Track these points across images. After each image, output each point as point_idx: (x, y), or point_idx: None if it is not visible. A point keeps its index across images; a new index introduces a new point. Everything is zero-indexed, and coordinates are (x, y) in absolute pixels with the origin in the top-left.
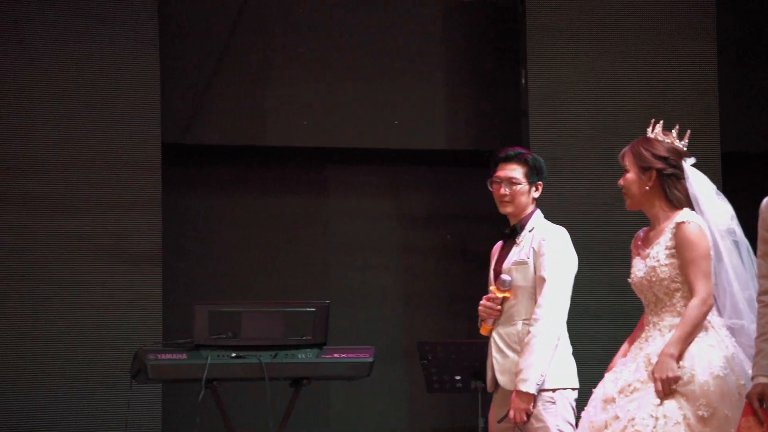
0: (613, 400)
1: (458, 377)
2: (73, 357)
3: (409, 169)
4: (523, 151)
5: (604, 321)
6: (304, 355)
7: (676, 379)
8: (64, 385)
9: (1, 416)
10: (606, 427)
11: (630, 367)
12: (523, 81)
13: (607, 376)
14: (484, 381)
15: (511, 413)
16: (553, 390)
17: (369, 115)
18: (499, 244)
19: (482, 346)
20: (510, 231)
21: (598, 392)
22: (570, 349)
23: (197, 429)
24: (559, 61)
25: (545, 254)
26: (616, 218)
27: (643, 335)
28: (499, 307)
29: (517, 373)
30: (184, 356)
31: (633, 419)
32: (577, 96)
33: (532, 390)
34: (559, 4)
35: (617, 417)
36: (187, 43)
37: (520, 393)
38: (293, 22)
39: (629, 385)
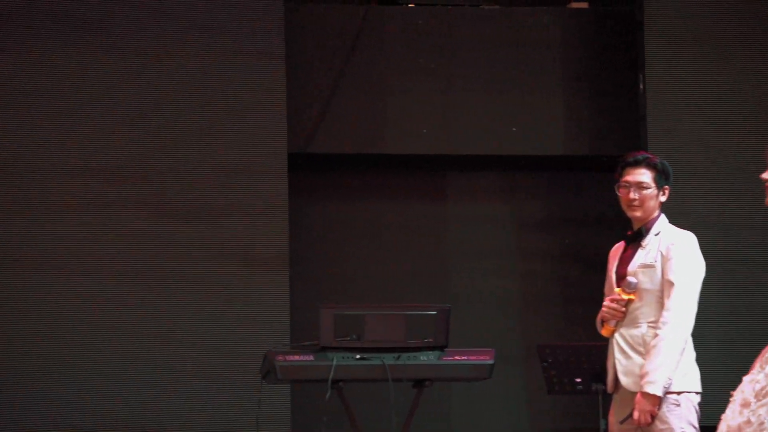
0: (749, 404)
1: (578, 380)
2: (206, 359)
3: (527, 175)
4: (650, 155)
5: (726, 327)
6: (426, 357)
7: None
8: (197, 385)
9: (139, 416)
10: (739, 431)
11: (766, 370)
12: (642, 86)
13: (745, 379)
14: (605, 383)
15: (636, 414)
16: (678, 393)
17: (487, 122)
18: (619, 246)
19: (602, 349)
20: (633, 234)
21: (737, 396)
22: (694, 354)
23: (324, 428)
24: (677, 65)
25: (674, 258)
26: (737, 221)
27: None
28: (623, 309)
29: (643, 375)
30: (311, 358)
31: (762, 423)
32: (696, 100)
33: (659, 392)
34: (678, 10)
35: (749, 421)
36: (312, 56)
37: (646, 395)
38: (413, 33)
39: (763, 389)
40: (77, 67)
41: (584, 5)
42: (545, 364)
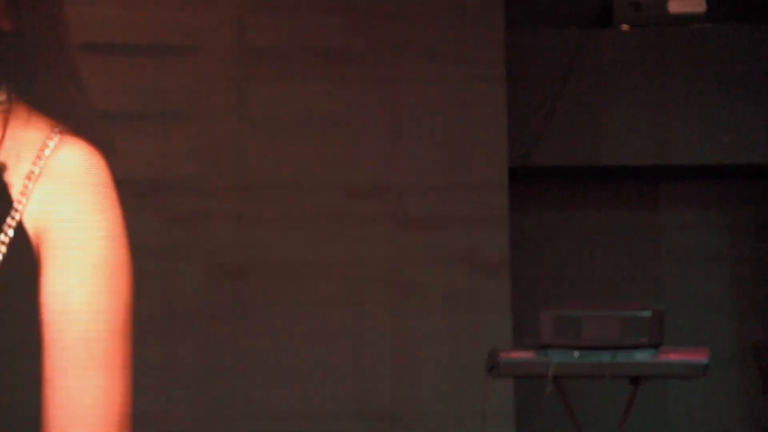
0: None
1: None
2: (436, 355)
3: (738, 183)
4: None
5: None
6: (642, 356)
7: None
8: (426, 380)
9: (378, 404)
10: None
11: None
12: None
13: None
14: None
15: None
16: None
17: (697, 133)
18: None
19: None
20: None
21: None
22: None
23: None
24: None
25: None
26: None
27: None
28: None
29: None
30: (532, 355)
31: None
32: None
33: None
34: None
35: None
36: (530, 76)
37: None
38: (626, 53)
39: None
40: (324, 94)
41: None
42: (762, 364)
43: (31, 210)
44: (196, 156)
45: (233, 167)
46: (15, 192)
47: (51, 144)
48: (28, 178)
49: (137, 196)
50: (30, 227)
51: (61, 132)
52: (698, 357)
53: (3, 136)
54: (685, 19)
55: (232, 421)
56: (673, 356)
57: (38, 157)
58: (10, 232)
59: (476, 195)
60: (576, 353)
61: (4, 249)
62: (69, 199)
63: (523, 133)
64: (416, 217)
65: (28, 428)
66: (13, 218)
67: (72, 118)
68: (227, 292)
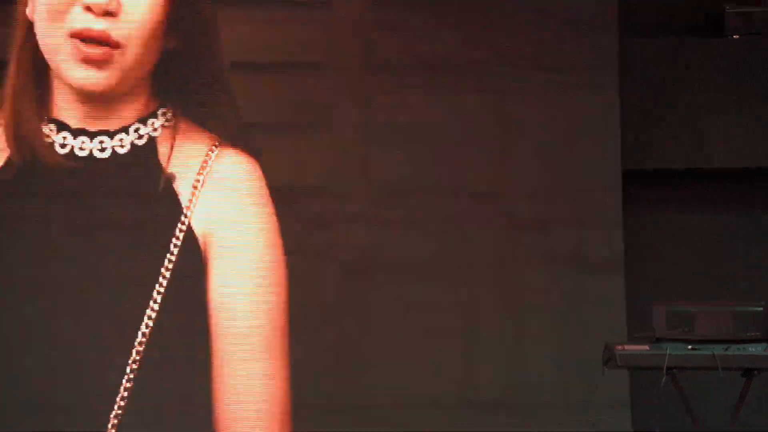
0: None
1: None
2: (552, 349)
3: None
4: None
5: None
6: (754, 349)
7: None
8: (539, 372)
9: (499, 391)
10: None
11: None
12: None
13: None
14: None
15: None
16: None
17: None
18: None
19: None
20: None
21: None
22: None
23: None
24: None
25: None
26: None
27: None
28: None
29: None
30: (647, 347)
31: None
32: None
33: None
34: None
35: None
36: (643, 84)
37: None
38: (735, 61)
39: None
40: (441, 105)
41: None
42: None
43: (198, 215)
44: (327, 163)
45: (360, 173)
46: (184, 199)
47: (212, 155)
48: (194, 186)
49: (276, 201)
50: (197, 230)
51: (219, 144)
52: None
53: (171, 150)
54: None
55: (356, 409)
56: None
57: (202, 168)
58: (181, 235)
59: (591, 197)
60: (689, 346)
61: (176, 250)
62: (230, 204)
63: (635, 137)
64: (529, 219)
65: (200, 408)
66: (183, 223)
67: (227, 130)
68: (354, 289)
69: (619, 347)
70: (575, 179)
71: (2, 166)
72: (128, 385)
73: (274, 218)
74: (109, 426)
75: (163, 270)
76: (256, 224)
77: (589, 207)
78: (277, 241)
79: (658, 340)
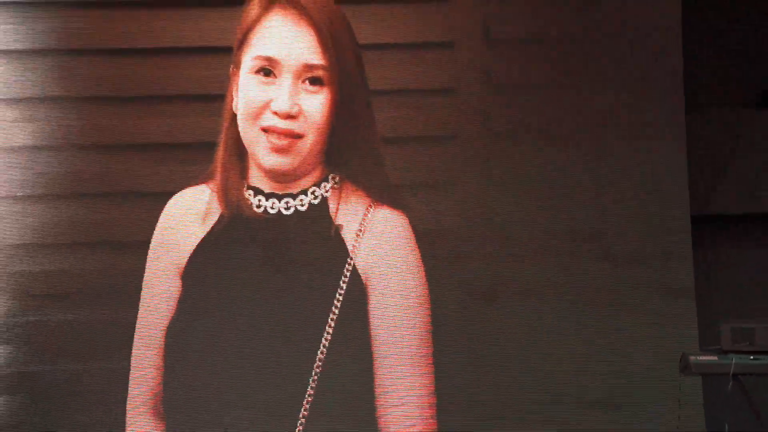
0: None
1: None
2: (641, 359)
3: None
4: None
5: None
6: None
7: None
8: (634, 377)
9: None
10: None
11: None
12: None
13: None
14: None
15: None
16: None
17: None
18: None
19: None
20: None
21: None
22: None
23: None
24: None
25: None
26: None
27: None
28: None
29: None
30: (716, 357)
31: None
32: None
33: None
34: None
35: None
36: (710, 125)
37: None
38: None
39: None
40: (549, 161)
41: None
42: None
43: (360, 257)
44: (458, 212)
45: (484, 219)
46: (349, 245)
47: (370, 210)
48: (357, 234)
49: (420, 244)
50: (360, 269)
51: (374, 202)
52: None
53: (338, 207)
54: None
55: (485, 403)
56: None
57: (363, 220)
58: (348, 273)
59: (668, 238)
60: (751, 357)
61: (344, 285)
62: (385, 249)
63: (700, 186)
64: (621, 255)
65: (363, 407)
66: (349, 263)
67: (380, 191)
68: (483, 311)
69: (693, 357)
70: (656, 223)
71: (217, 221)
72: (312, 391)
73: (420, 260)
74: (298, 424)
75: (336, 298)
76: (406, 265)
77: (667, 245)
78: (423, 279)
79: (725, 351)
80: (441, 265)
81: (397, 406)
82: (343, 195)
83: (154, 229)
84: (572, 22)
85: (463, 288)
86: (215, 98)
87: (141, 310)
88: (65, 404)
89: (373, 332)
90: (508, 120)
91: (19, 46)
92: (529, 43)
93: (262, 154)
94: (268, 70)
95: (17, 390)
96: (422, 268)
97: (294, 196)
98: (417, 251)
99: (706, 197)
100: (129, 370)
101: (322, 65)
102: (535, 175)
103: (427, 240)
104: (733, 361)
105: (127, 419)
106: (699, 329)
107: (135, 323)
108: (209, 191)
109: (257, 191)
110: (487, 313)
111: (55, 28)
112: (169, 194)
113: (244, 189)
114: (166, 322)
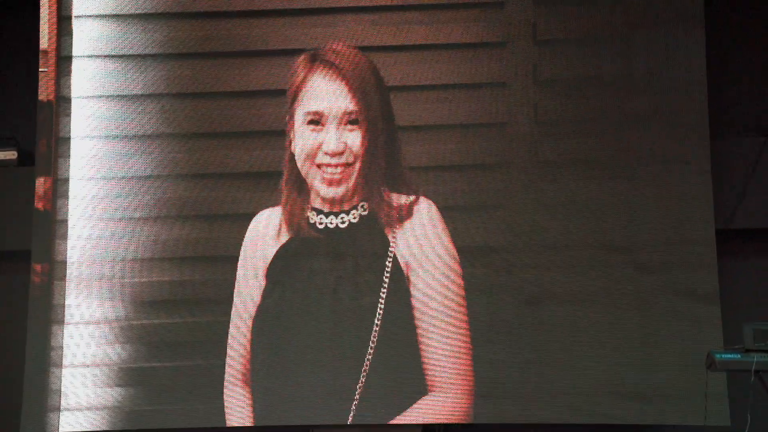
0: None
1: None
2: (668, 358)
3: None
4: None
5: None
6: None
7: None
8: (664, 372)
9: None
10: None
11: None
12: None
13: None
14: None
15: None
16: None
17: None
18: None
19: None
20: None
21: None
22: None
23: (751, 400)
24: None
25: None
26: None
27: None
28: None
29: None
30: (739, 356)
31: None
32: None
33: None
34: None
35: None
36: (729, 168)
37: None
38: None
39: None
40: (591, 191)
41: None
42: None
43: (400, 246)
44: (505, 229)
45: (529, 235)
46: (391, 241)
47: (408, 200)
48: (396, 228)
49: (472, 257)
50: (400, 258)
51: (415, 194)
52: None
53: (382, 214)
54: None
55: (530, 396)
56: None
57: (400, 219)
58: (389, 262)
59: (695, 249)
60: None
61: (388, 273)
62: (419, 237)
63: (724, 206)
64: (652, 265)
65: (409, 393)
66: (391, 251)
67: (413, 194)
68: (529, 314)
69: (718, 355)
70: (683, 236)
71: (288, 238)
72: (369, 358)
73: (452, 242)
74: (352, 407)
75: (384, 281)
76: (440, 249)
77: (695, 256)
78: (456, 265)
79: (747, 350)
80: (491, 274)
81: (442, 385)
82: (384, 205)
83: (242, 244)
84: (610, 66)
85: (511, 294)
86: (279, 133)
87: (234, 310)
88: (170, 395)
89: (415, 312)
90: (554, 149)
91: (133, 91)
92: (572, 84)
93: (320, 187)
94: (316, 120)
95: (133, 383)
96: (458, 259)
97: (347, 212)
98: (453, 246)
99: (730, 213)
100: (222, 366)
101: (355, 110)
102: (577, 200)
103: (479, 254)
104: (755, 359)
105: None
106: (723, 330)
107: (225, 324)
108: (281, 212)
109: (318, 211)
110: (532, 316)
111: (162, 76)
112: (250, 215)
113: (309, 209)
114: (251, 319)
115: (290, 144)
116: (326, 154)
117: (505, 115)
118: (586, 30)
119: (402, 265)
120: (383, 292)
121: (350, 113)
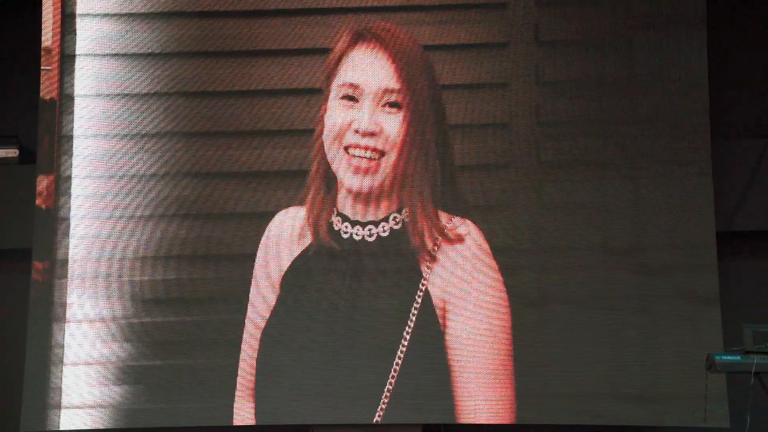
0: None
1: None
2: (670, 359)
3: None
4: None
5: None
6: None
7: None
8: (664, 374)
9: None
10: None
11: None
12: None
13: None
14: None
15: None
16: None
17: None
18: None
19: None
20: None
21: None
22: None
23: (752, 399)
24: None
25: None
26: None
27: None
28: None
29: None
30: (739, 358)
31: None
32: None
33: None
34: None
35: None
36: (729, 169)
37: None
38: None
39: None
40: (596, 192)
41: None
42: None
43: (435, 283)
44: (511, 231)
45: (535, 239)
46: (424, 266)
47: (444, 229)
48: (433, 250)
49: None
50: (432, 291)
51: (450, 225)
52: None
53: (416, 229)
54: None
55: (538, 397)
56: None
57: (436, 238)
58: (420, 297)
59: (695, 249)
60: None
61: (417, 305)
62: (461, 263)
63: (724, 208)
64: (654, 267)
65: (435, 401)
66: (422, 285)
67: (455, 215)
68: (529, 315)
69: (718, 357)
70: (684, 237)
71: (307, 247)
72: (392, 380)
73: (498, 273)
74: (378, 409)
75: (410, 317)
76: (484, 279)
77: (695, 258)
78: (503, 291)
79: (747, 352)
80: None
81: (478, 389)
82: (419, 219)
83: (259, 243)
84: (611, 67)
85: (512, 295)
86: (302, 132)
87: (249, 312)
88: (171, 393)
89: (447, 341)
90: (559, 151)
91: (136, 89)
92: (574, 85)
93: (347, 176)
94: (351, 96)
95: (134, 381)
96: (503, 284)
97: (377, 224)
98: (495, 267)
99: (731, 215)
100: (221, 365)
101: (397, 89)
102: (582, 201)
103: (501, 254)
104: (755, 361)
105: (235, 402)
106: (723, 332)
107: (234, 325)
108: (304, 214)
109: (344, 218)
110: (532, 316)
111: (167, 75)
112: (262, 215)
113: (334, 214)
114: (264, 323)
115: (322, 131)
116: (356, 132)
117: (506, 115)
118: (588, 31)
119: (437, 303)
120: (407, 331)
121: (391, 91)
